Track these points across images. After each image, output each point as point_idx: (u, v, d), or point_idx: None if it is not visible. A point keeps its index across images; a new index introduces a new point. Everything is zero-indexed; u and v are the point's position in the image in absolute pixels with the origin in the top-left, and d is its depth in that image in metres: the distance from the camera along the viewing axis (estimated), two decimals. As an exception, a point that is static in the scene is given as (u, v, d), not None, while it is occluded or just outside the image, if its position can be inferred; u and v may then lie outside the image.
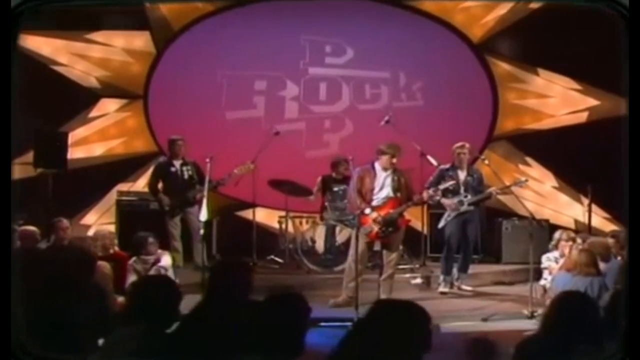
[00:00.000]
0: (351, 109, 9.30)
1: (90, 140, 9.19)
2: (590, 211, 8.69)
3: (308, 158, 9.25)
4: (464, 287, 7.27)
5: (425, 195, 6.58)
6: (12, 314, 3.74)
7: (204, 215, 6.18)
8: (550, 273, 6.23)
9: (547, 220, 8.57)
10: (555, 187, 9.19)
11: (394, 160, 6.44)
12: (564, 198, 9.16)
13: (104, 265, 5.78)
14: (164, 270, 6.07)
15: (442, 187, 6.85)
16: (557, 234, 6.38)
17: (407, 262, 7.76)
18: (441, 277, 7.20)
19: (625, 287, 4.04)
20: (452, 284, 7.24)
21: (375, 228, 6.36)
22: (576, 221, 9.05)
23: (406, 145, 7.73)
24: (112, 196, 9.00)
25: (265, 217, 9.00)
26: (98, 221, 9.08)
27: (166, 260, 6.17)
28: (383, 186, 6.45)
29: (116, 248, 6.38)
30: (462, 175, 7.22)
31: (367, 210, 6.35)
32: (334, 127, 9.32)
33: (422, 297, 6.91)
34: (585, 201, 8.83)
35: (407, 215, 6.70)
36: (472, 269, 7.60)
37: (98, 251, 6.16)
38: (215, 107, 9.24)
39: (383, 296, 6.50)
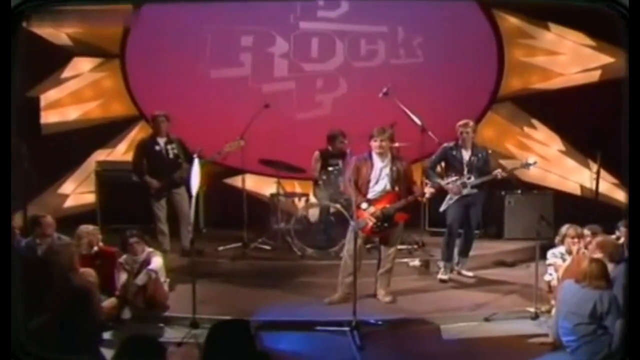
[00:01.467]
0: (345, 67, 9.08)
1: (64, 103, 8.97)
2: (598, 178, 8.73)
3: (299, 120, 9.13)
4: (464, 272, 7.34)
5: (427, 191, 6.49)
6: (12, 314, 3.92)
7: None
8: (555, 270, 6.27)
9: (551, 189, 8.69)
10: (561, 151, 9.17)
11: (384, 144, 6.33)
12: (570, 163, 9.16)
13: (89, 273, 5.80)
14: (154, 274, 6.10)
15: (444, 182, 6.81)
16: (563, 229, 6.35)
17: (405, 242, 7.82)
18: (441, 264, 7.25)
19: (625, 287, 4.18)
20: (452, 268, 7.31)
21: (370, 223, 6.33)
22: (582, 187, 9.10)
23: (405, 120, 7.69)
24: (90, 163, 8.92)
25: (256, 184, 8.97)
26: (76, 190, 9.04)
27: (156, 262, 6.17)
28: (380, 178, 6.37)
29: (101, 244, 6.36)
30: (466, 155, 7.12)
31: (364, 205, 6.30)
32: (326, 87, 9.12)
33: (422, 288, 7.02)
34: (594, 166, 8.86)
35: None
36: (472, 246, 7.65)
37: (83, 249, 6.17)
38: (198, 65, 8.99)
39: (380, 290, 6.60)
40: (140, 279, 6.06)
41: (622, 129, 4.20)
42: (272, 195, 8.04)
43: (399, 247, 7.35)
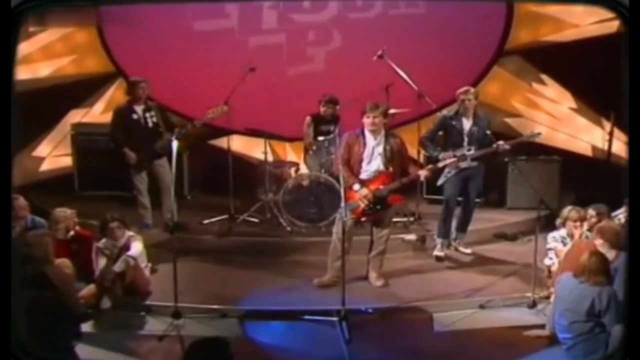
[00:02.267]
0: (339, 18, 9.00)
1: (34, 58, 8.91)
2: (611, 138, 8.79)
3: (290, 75, 9.12)
4: (461, 249, 7.49)
5: (422, 173, 6.54)
6: (12, 314, 4.23)
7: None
8: (556, 255, 6.41)
9: (559, 154, 8.75)
10: (572, 109, 9.17)
11: (377, 121, 6.35)
12: (581, 121, 9.17)
13: (65, 264, 5.94)
14: (133, 260, 6.21)
15: (440, 164, 6.84)
16: (565, 211, 6.45)
17: (400, 213, 7.96)
18: (437, 240, 7.39)
19: (626, 287, 4.41)
20: (449, 244, 7.46)
21: (362, 205, 6.42)
22: (594, 147, 9.15)
23: (401, 84, 7.71)
24: (66, 124, 8.99)
25: (244, 145, 9.08)
26: (52, 153, 9.14)
27: (135, 248, 6.28)
28: (373, 157, 6.42)
29: (77, 228, 6.49)
30: (466, 124, 7.11)
31: (356, 187, 6.39)
32: (319, 40, 9.05)
33: (416, 268, 7.17)
34: (607, 125, 8.90)
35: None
36: (472, 217, 7.69)
37: (59, 234, 6.30)
38: (181, 16, 8.89)
39: (372, 273, 6.76)
40: (118, 266, 6.19)
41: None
42: (260, 162, 8.10)
43: (394, 219, 7.52)
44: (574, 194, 7.83)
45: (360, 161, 6.45)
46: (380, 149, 6.44)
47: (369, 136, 6.45)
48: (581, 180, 8.29)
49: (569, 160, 8.70)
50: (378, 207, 6.49)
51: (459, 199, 7.37)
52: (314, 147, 7.75)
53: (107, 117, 8.05)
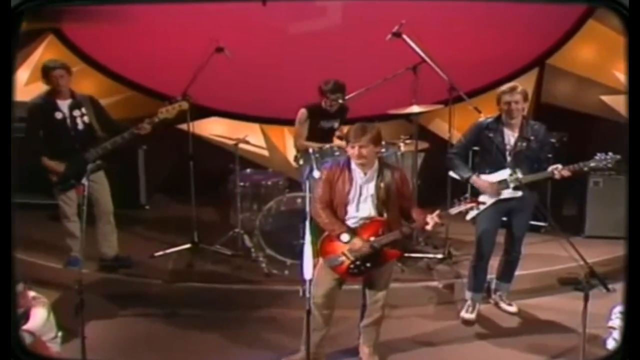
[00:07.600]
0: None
1: None
2: None
3: (292, 34, 9.52)
4: (503, 305, 7.81)
5: (430, 222, 6.55)
6: (12, 314, 5.33)
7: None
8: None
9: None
10: None
11: (365, 151, 6.49)
12: None
13: None
14: (30, 337, 6.70)
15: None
16: None
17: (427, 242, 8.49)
18: (467, 295, 7.69)
19: (625, 287, 5.20)
20: (488, 296, 7.82)
21: (347, 261, 6.70)
22: None
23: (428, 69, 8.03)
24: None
25: (223, 129, 9.64)
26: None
27: (36, 319, 6.53)
28: (362, 200, 6.63)
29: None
30: (510, 137, 7.27)
31: (345, 237, 6.61)
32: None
33: (430, 337, 7.45)
34: None
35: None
36: (531, 246, 8.10)
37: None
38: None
39: (364, 348, 7.15)
40: (7, 346, 6.70)
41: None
42: (232, 169, 8.62)
43: (413, 254, 8.05)
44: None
45: (346, 204, 6.64)
46: (371, 187, 6.61)
47: (356, 171, 6.63)
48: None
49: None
50: (368, 264, 6.72)
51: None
52: (301, 161, 8.18)
53: (35, 91, 8.58)
